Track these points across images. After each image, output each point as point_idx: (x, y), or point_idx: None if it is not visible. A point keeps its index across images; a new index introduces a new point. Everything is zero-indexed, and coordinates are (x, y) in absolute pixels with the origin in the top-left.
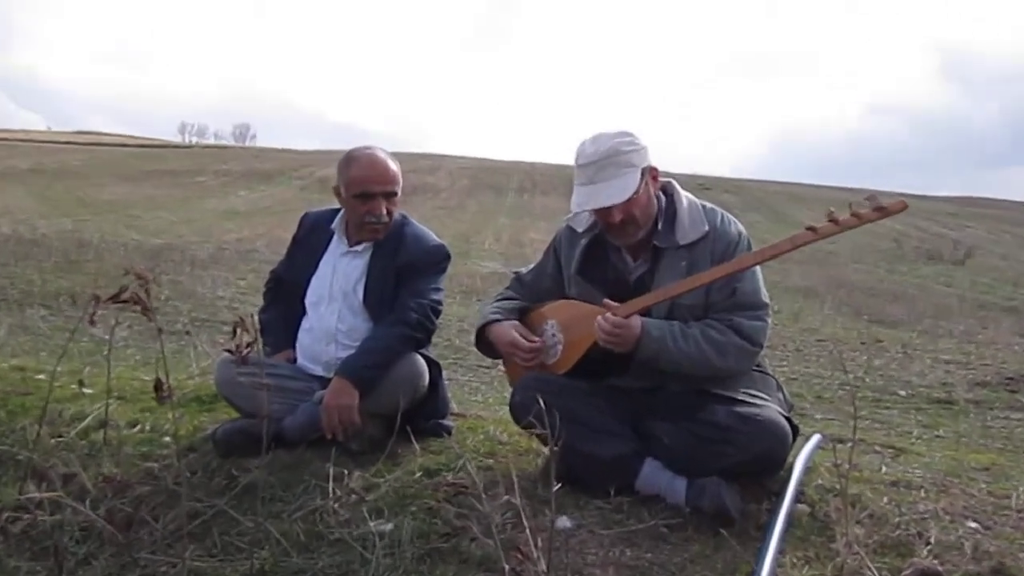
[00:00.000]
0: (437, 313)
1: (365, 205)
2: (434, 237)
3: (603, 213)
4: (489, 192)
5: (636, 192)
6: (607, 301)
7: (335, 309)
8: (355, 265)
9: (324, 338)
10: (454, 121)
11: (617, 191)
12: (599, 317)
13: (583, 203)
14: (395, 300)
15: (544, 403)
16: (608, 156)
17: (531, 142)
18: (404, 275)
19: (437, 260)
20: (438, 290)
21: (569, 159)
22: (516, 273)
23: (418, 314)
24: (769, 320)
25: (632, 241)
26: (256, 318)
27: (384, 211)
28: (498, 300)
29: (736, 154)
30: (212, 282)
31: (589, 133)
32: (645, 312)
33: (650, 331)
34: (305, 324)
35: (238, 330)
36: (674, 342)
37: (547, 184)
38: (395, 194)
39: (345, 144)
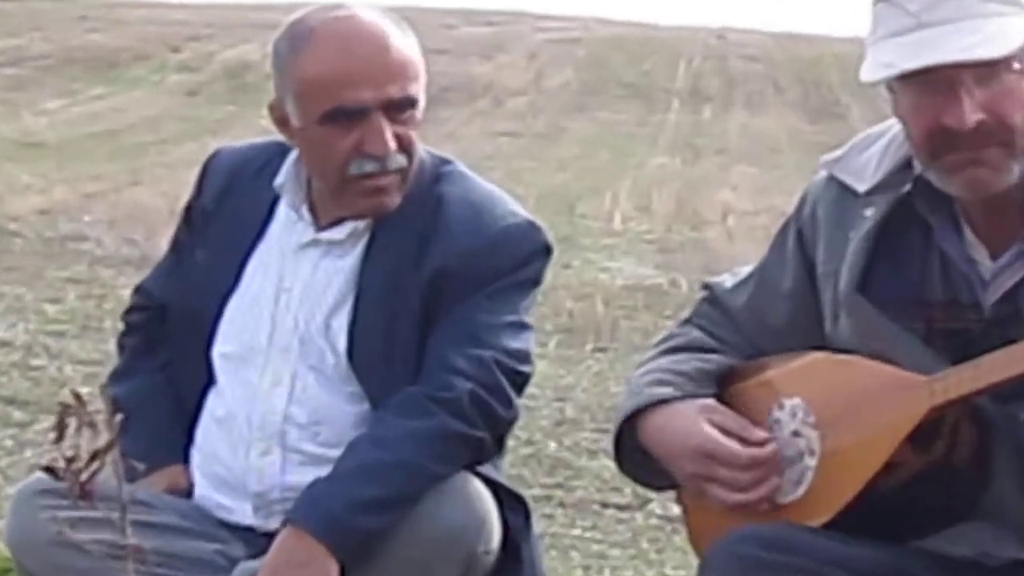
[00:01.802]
0: (518, 382)
1: (347, 136)
2: (508, 206)
3: (937, 111)
4: (620, 97)
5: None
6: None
7: (281, 371)
8: (329, 272)
9: (255, 438)
10: None
11: (985, 39)
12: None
13: (897, 62)
14: (421, 352)
15: None
16: None
17: None
18: (442, 296)
19: (517, 261)
20: (520, 328)
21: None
22: (706, 288)
23: (475, 383)
24: None
25: (992, 191)
26: (107, 393)
27: (390, 145)
28: (666, 350)
29: None
30: None
31: None
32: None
33: None
34: (214, 406)
35: (65, 423)
36: None
37: (760, 80)
38: (411, 102)
39: None
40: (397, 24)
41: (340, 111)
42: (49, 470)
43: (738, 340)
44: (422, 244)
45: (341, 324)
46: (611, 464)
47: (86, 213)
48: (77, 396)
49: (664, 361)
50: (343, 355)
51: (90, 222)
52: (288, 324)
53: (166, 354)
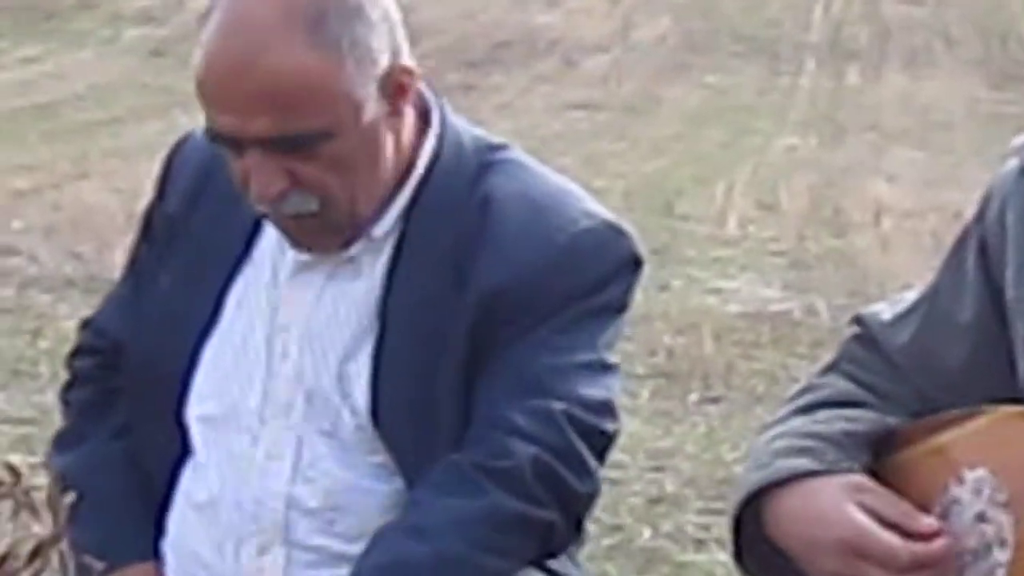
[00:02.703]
0: (599, 444)
1: (237, 162)
2: (582, 205)
3: None
4: (735, 55)
5: None
6: None
7: (281, 439)
8: (339, 301)
9: (249, 531)
10: None
11: None
12: None
13: None
14: (468, 405)
15: None
16: None
17: None
18: (494, 328)
19: (594, 281)
20: (600, 370)
21: None
22: (857, 322)
23: (540, 446)
24: None
25: None
26: (51, 465)
27: (269, 189)
28: (802, 407)
29: None
30: None
31: None
32: None
33: None
34: (192, 487)
35: None
36: None
37: (924, 31)
38: (298, 141)
39: None
40: (304, 21)
41: (215, 135)
42: None
43: (900, 391)
44: (465, 258)
45: (360, 372)
46: (726, 559)
47: (15, 217)
48: (11, 468)
49: (800, 422)
50: (365, 414)
51: (20, 230)
52: (288, 375)
53: (125, 413)
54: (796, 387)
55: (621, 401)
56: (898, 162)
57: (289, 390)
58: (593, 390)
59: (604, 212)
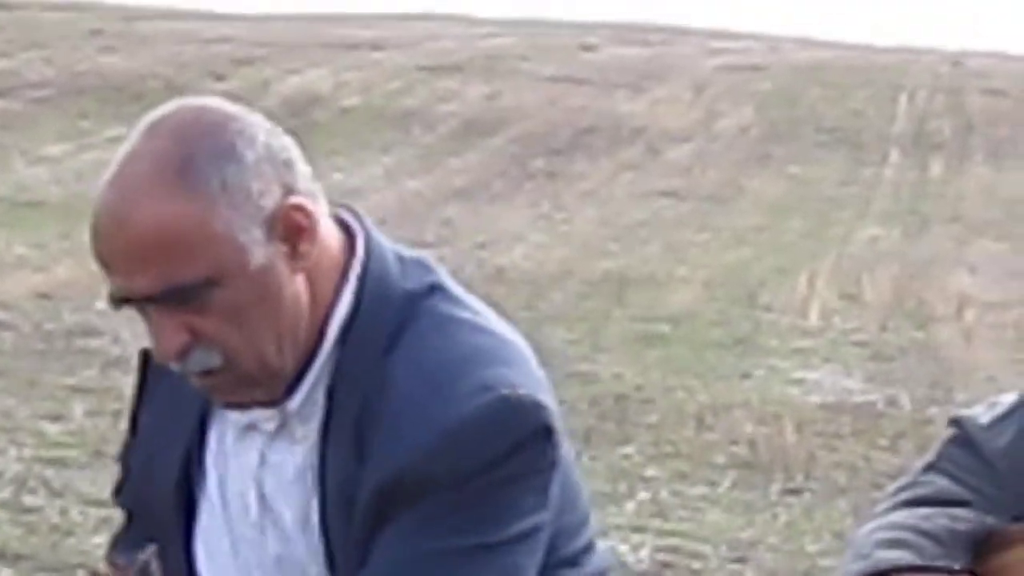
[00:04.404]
0: None
1: (144, 321)
2: (481, 376)
3: None
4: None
5: None
6: None
7: None
8: (285, 465)
9: None
10: None
11: None
12: None
13: None
14: None
15: None
16: None
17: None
18: (385, 508)
19: (491, 457)
20: (500, 547)
21: None
22: (955, 424)
23: None
24: None
25: None
26: (139, 564)
27: (166, 346)
28: (904, 501)
29: None
30: None
31: None
32: None
33: None
34: None
35: None
36: None
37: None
38: (185, 293)
39: None
40: (171, 170)
41: (109, 297)
42: None
43: (999, 494)
44: (365, 435)
45: (311, 547)
46: None
47: (98, 298)
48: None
49: (901, 516)
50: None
51: (104, 311)
52: (252, 552)
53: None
54: (897, 483)
55: (701, 491)
56: (981, 254)
57: (262, 558)
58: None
59: (508, 382)
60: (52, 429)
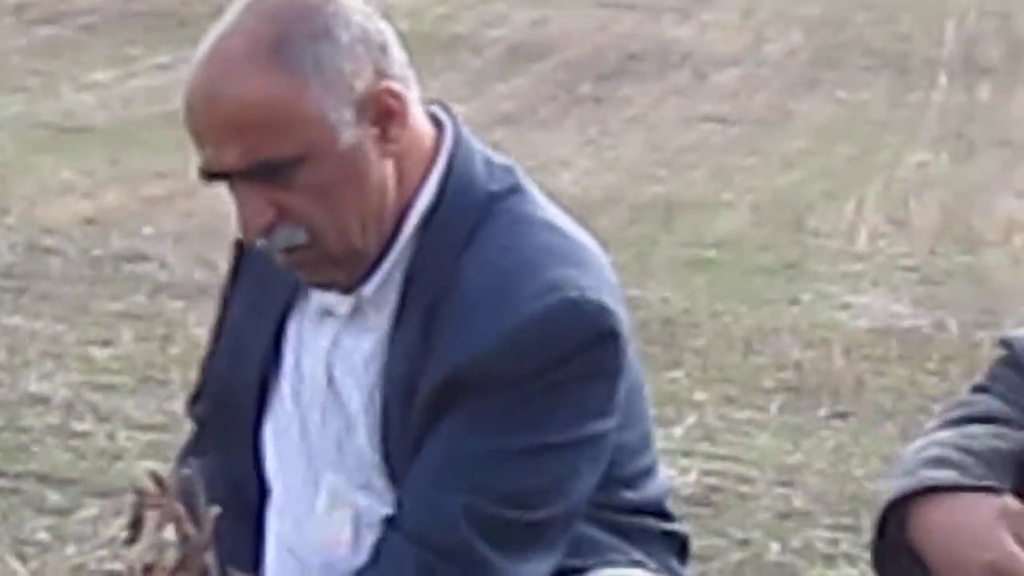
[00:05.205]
0: (521, 533)
1: (232, 194)
2: (548, 277)
3: None
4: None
5: None
6: None
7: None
8: (356, 352)
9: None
10: None
11: None
12: None
13: None
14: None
15: None
16: None
17: None
18: (446, 403)
19: (552, 358)
20: (552, 450)
21: None
22: (1004, 344)
23: (427, 547)
24: None
25: None
26: (188, 476)
27: (253, 221)
28: (954, 419)
29: None
30: None
31: None
32: None
33: None
34: (279, 525)
35: (142, 517)
36: None
37: None
38: (272, 168)
39: None
40: (266, 47)
41: (200, 170)
42: None
43: None
44: (434, 327)
45: (368, 423)
46: (856, 575)
47: (146, 224)
48: (157, 479)
49: (949, 434)
50: (380, 461)
51: (151, 236)
52: (325, 424)
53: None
54: (948, 401)
55: (749, 415)
56: None
57: (324, 441)
58: (519, 478)
59: (576, 284)
60: (100, 354)
